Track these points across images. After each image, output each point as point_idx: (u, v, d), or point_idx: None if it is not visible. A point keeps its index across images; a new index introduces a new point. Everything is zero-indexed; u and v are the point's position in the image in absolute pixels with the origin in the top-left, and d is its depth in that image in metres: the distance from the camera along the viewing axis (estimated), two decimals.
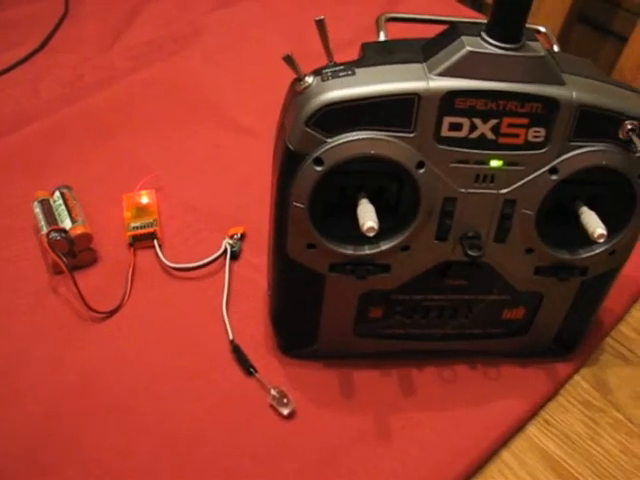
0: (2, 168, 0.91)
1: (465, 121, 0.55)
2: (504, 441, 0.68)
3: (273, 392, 0.68)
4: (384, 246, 0.61)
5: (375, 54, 0.57)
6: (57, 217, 0.79)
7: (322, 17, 0.53)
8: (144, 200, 0.84)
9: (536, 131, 0.56)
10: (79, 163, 0.92)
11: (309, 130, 0.54)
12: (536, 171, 0.58)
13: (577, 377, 0.74)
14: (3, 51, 1.09)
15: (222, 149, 0.96)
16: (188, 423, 0.67)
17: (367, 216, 0.56)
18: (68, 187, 0.83)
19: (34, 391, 0.69)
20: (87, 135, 0.97)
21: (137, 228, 0.81)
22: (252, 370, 0.70)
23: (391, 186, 0.59)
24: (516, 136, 0.56)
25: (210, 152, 0.95)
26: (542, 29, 0.66)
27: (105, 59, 1.10)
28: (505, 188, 0.59)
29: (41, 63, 1.09)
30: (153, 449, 0.65)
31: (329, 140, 0.55)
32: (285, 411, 0.67)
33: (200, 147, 0.96)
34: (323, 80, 0.55)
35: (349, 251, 0.61)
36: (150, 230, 0.81)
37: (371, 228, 0.55)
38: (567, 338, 0.73)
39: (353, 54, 0.59)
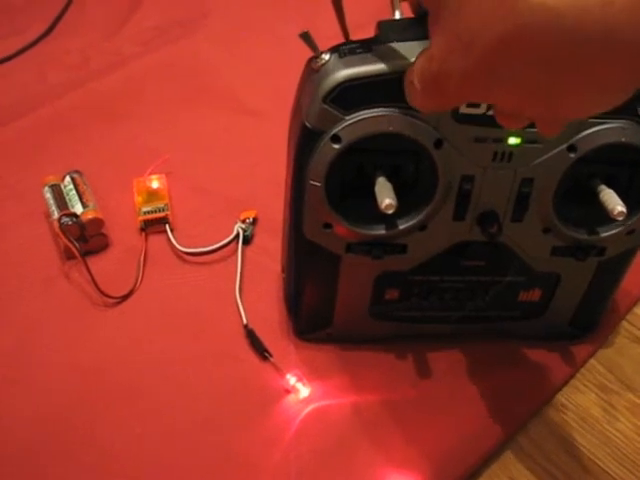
0: (11, 153, 0.91)
1: None
2: (521, 425, 0.68)
3: (288, 376, 0.68)
4: (401, 225, 0.60)
5: (391, 32, 0.56)
6: (68, 202, 0.79)
7: None
8: (155, 185, 0.84)
9: None
10: (88, 148, 0.91)
11: (326, 107, 0.54)
12: (554, 149, 0.57)
13: (593, 360, 0.73)
14: (9, 36, 1.09)
15: (231, 133, 0.95)
16: (202, 409, 0.67)
17: (385, 193, 0.55)
18: (78, 172, 0.83)
19: (47, 377, 0.69)
20: (95, 120, 0.96)
21: (148, 213, 0.81)
22: (267, 354, 0.70)
23: (408, 164, 0.58)
24: None
25: (219, 136, 0.95)
26: None
27: (112, 44, 1.09)
28: (523, 166, 0.58)
29: (48, 48, 1.08)
30: (167, 434, 0.65)
31: (347, 117, 0.54)
32: (301, 395, 0.67)
33: (209, 131, 0.95)
34: (340, 57, 0.54)
35: (366, 231, 0.60)
36: (161, 215, 0.81)
37: (390, 205, 0.54)
38: (583, 320, 0.72)
39: (367, 35, 0.58)
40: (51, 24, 1.11)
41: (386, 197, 0.54)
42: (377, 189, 0.56)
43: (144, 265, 0.78)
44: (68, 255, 0.77)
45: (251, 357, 0.71)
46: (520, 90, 0.39)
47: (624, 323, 0.77)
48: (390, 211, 0.54)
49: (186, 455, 0.64)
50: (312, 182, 0.57)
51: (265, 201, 0.83)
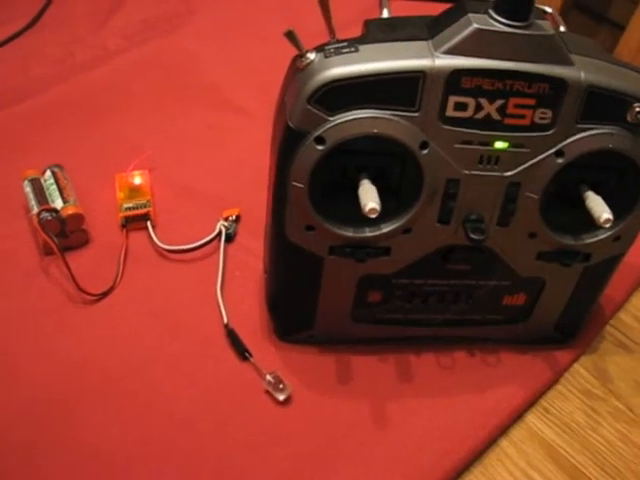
0: None
1: (471, 101, 0.54)
2: (503, 429, 0.67)
3: (268, 377, 0.67)
4: (385, 228, 0.59)
5: (379, 31, 0.56)
6: (48, 197, 0.78)
7: None
8: (137, 181, 0.83)
9: (543, 112, 0.55)
10: (70, 142, 0.90)
11: (311, 108, 0.53)
12: (542, 154, 0.57)
13: (577, 365, 0.73)
14: None
15: (216, 130, 0.94)
16: (181, 408, 0.66)
17: (369, 197, 0.54)
18: (59, 166, 0.81)
19: (25, 375, 0.68)
20: (78, 114, 0.95)
21: (130, 209, 0.80)
22: (247, 355, 0.69)
23: (393, 167, 0.57)
24: (522, 117, 0.55)
25: (204, 133, 0.94)
26: (548, 9, 0.64)
27: (96, 38, 1.08)
28: (510, 171, 0.57)
29: (31, 41, 1.07)
30: (146, 434, 0.64)
31: (331, 118, 0.53)
32: (281, 397, 0.66)
33: (194, 128, 0.94)
34: (326, 57, 0.53)
35: (349, 233, 0.60)
36: (143, 211, 0.80)
37: (373, 209, 0.53)
38: (568, 325, 0.72)
39: (354, 34, 0.57)
40: (35, 16, 1.09)
41: (370, 201, 0.54)
42: (361, 192, 0.55)
43: (124, 262, 0.77)
44: (47, 251, 0.76)
45: (231, 357, 0.70)
46: None
47: (608, 328, 0.77)
48: (373, 215, 0.53)
49: (163, 455, 0.63)
50: (295, 183, 0.56)
51: (248, 199, 0.82)
